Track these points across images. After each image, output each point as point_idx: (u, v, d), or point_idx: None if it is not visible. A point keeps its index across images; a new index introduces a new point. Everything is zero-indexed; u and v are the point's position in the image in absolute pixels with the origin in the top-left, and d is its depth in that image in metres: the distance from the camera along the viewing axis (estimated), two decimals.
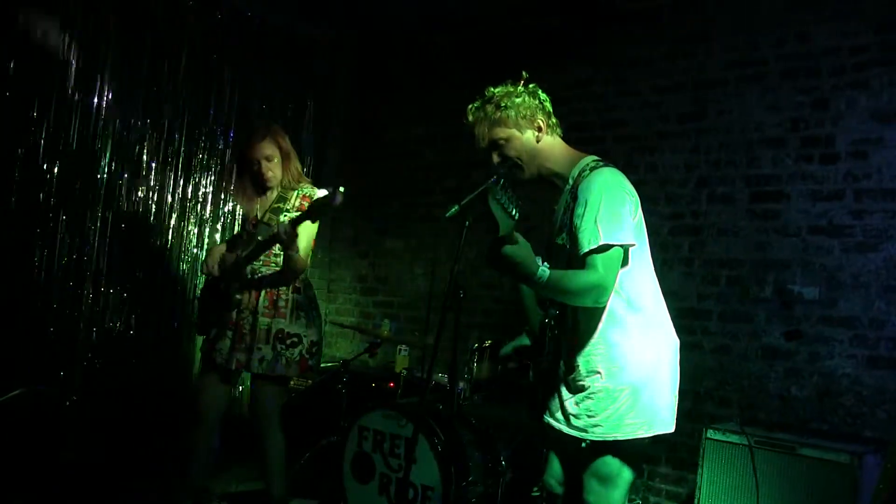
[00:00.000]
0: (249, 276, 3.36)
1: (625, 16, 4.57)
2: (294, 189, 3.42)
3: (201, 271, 3.38)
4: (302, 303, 3.42)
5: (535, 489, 3.53)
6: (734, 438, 3.39)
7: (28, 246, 4.24)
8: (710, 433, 3.48)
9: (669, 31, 4.42)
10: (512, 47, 4.99)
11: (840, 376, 3.71)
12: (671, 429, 2.41)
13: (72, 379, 4.37)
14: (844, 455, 3.11)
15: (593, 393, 2.36)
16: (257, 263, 3.36)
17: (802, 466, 3.20)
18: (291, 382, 4.97)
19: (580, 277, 2.27)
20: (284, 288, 3.37)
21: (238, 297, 3.34)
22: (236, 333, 3.31)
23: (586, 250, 2.26)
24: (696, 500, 3.50)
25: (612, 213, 2.28)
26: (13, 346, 4.12)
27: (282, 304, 3.35)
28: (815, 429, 3.63)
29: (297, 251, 3.22)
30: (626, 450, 2.38)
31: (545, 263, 2.23)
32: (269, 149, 3.35)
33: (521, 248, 2.16)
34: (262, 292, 3.33)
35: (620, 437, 2.34)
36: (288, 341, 3.33)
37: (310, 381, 4.89)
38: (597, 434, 2.35)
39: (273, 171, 3.38)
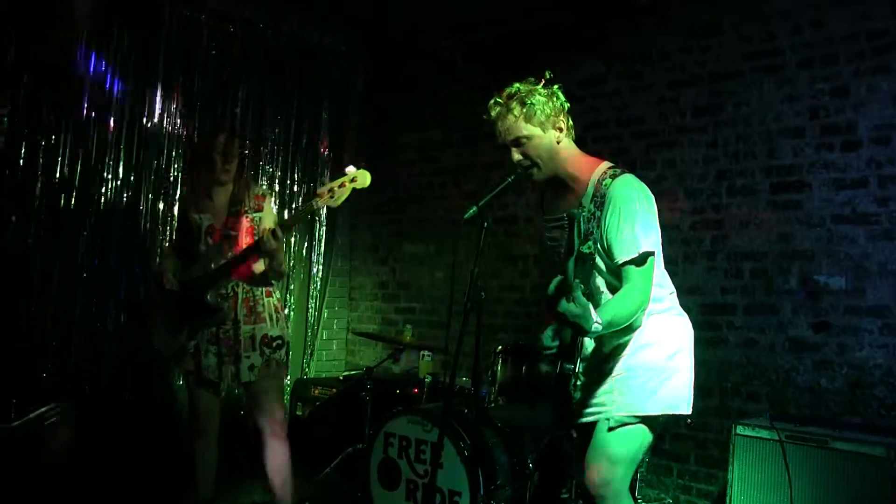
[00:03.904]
0: (226, 288, 3.32)
1: (637, 10, 4.53)
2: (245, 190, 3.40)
3: (166, 285, 3.30)
4: (276, 306, 3.44)
5: (564, 490, 3.50)
6: (764, 434, 3.35)
7: (49, 261, 4.28)
8: (740, 429, 3.43)
9: (682, 24, 4.38)
10: (524, 47, 4.98)
11: (871, 367, 3.64)
12: (689, 411, 2.45)
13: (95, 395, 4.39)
14: (879, 448, 3.05)
15: (621, 375, 2.39)
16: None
17: (836, 460, 3.14)
18: (315, 392, 4.99)
19: (625, 307, 2.29)
20: (259, 293, 3.38)
21: (219, 306, 3.28)
22: (220, 347, 3.30)
23: (625, 259, 2.31)
24: (727, 498, 3.45)
25: (648, 221, 2.34)
26: (37, 362, 4.17)
27: (260, 309, 3.35)
28: (847, 422, 3.56)
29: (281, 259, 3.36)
30: (642, 429, 2.38)
31: (597, 318, 2.16)
32: (230, 147, 3.32)
33: (576, 307, 2.13)
34: (239, 301, 3.32)
35: (643, 413, 2.36)
36: (273, 344, 3.35)
37: (334, 390, 4.88)
38: (621, 409, 2.36)
39: (230, 170, 3.34)
